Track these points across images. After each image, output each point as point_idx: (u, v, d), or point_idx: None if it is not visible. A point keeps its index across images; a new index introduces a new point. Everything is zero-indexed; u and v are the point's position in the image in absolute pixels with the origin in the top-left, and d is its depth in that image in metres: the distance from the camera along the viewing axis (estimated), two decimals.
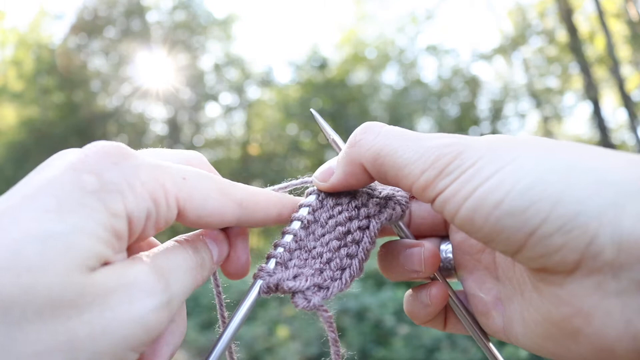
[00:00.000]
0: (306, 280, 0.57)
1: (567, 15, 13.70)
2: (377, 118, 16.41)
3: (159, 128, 18.80)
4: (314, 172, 0.68)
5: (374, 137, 0.55)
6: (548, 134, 16.82)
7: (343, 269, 0.59)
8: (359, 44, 18.91)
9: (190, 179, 0.51)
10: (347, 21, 19.58)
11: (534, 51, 16.35)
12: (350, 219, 0.61)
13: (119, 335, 0.40)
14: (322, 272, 0.59)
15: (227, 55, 18.67)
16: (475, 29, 26.10)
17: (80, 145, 0.56)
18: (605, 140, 13.41)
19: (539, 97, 16.37)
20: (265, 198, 0.59)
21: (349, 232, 0.61)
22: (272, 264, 0.58)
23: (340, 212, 0.62)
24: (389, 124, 0.57)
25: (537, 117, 17.57)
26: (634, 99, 13.20)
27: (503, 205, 0.44)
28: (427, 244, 0.63)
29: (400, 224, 0.65)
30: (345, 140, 0.63)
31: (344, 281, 0.58)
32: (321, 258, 0.59)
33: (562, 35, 15.02)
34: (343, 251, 0.60)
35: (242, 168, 17.50)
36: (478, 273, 0.63)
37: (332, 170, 0.61)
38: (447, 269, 0.66)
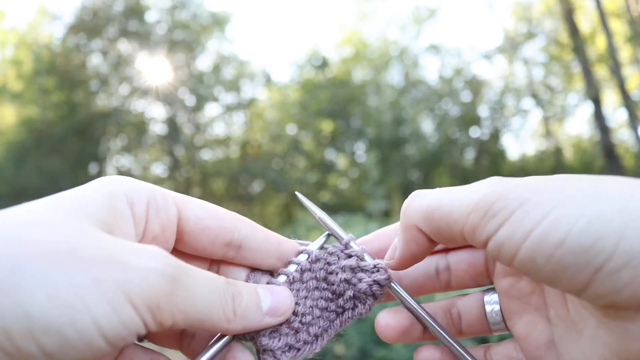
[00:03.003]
0: (279, 339, 0.59)
1: (568, 15, 13.70)
2: (379, 118, 16.39)
3: (158, 128, 18.81)
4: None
5: (420, 199, 0.57)
6: (549, 133, 16.83)
7: (317, 337, 0.63)
8: (360, 43, 18.90)
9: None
10: (349, 20, 19.59)
11: (535, 51, 16.35)
12: (332, 300, 0.65)
13: (117, 274, 0.42)
14: (297, 333, 0.61)
15: (227, 55, 18.67)
16: (477, 28, 26.10)
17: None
18: (605, 139, 13.40)
19: (540, 97, 16.37)
20: (264, 230, 0.63)
21: (326, 309, 0.65)
22: None
23: (324, 289, 0.65)
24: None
25: (538, 116, 17.58)
26: (634, 98, 13.19)
27: (565, 244, 0.43)
28: (383, 314, 0.64)
29: (398, 292, 0.65)
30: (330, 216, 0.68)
31: (314, 347, 0.62)
32: (302, 318, 0.62)
33: (563, 35, 15.02)
34: (320, 322, 0.63)
35: (242, 168, 17.49)
36: (528, 316, 0.60)
37: (395, 246, 0.62)
38: (495, 321, 0.64)
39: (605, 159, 13.57)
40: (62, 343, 0.39)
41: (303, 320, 0.62)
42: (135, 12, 17.04)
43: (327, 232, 0.68)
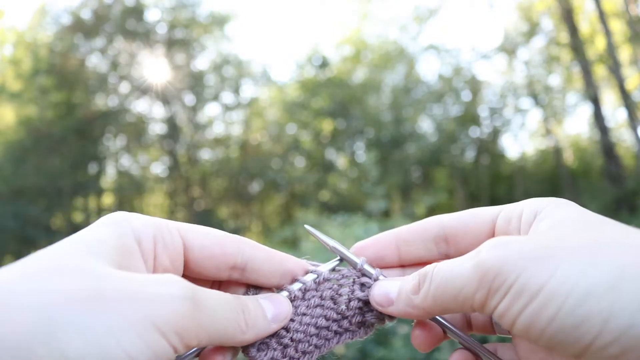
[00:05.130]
0: (266, 354, 0.62)
1: (567, 15, 13.70)
2: (379, 117, 16.39)
3: (158, 127, 18.79)
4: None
5: (427, 287, 0.58)
6: (548, 133, 16.83)
7: (305, 353, 0.64)
8: (360, 43, 18.90)
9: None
10: (349, 20, 19.59)
11: (535, 51, 16.36)
12: (334, 320, 0.67)
13: (143, 307, 0.45)
14: (285, 348, 0.63)
15: (227, 55, 18.66)
16: (477, 28, 26.10)
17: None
18: (605, 139, 13.41)
19: (539, 97, 16.38)
20: (267, 250, 0.65)
21: (326, 328, 0.66)
22: None
23: (328, 308, 0.66)
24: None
25: (538, 116, 17.59)
26: (634, 98, 13.20)
27: (555, 323, 0.46)
28: (416, 329, 0.67)
29: (451, 328, 0.66)
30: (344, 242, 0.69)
31: None
32: (293, 334, 0.63)
33: (563, 35, 15.03)
34: (313, 340, 0.65)
35: (241, 167, 17.47)
36: (529, 344, 0.62)
37: (391, 300, 0.64)
38: (500, 328, 0.67)
39: (605, 158, 13.58)
40: None
41: (294, 337, 0.63)
42: (135, 11, 17.03)
43: (339, 257, 0.69)
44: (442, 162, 17.16)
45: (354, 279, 0.67)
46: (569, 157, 17.97)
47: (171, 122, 17.92)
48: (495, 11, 19.54)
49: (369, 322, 0.67)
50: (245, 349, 0.61)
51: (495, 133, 17.92)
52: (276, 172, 16.70)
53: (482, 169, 16.89)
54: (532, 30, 15.95)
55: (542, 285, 0.47)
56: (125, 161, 18.57)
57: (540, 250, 0.49)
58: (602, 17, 12.72)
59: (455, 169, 17.06)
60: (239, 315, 0.56)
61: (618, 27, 13.94)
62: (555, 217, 0.56)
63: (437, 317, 0.65)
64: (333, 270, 0.68)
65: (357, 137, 17.04)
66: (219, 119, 19.33)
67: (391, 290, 0.64)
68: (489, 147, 17.77)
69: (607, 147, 13.26)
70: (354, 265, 0.68)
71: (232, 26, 19.10)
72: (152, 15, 17.82)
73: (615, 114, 16.48)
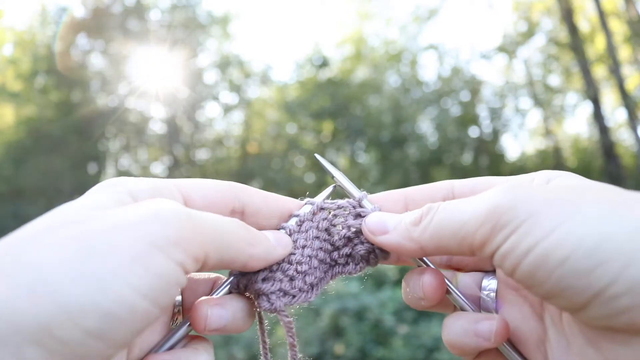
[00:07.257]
0: (272, 284, 0.59)
1: (567, 15, 13.70)
2: (379, 117, 16.39)
3: (158, 127, 18.78)
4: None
5: (429, 219, 0.54)
6: (548, 132, 16.84)
7: (312, 286, 0.63)
8: (360, 43, 18.90)
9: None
10: (349, 20, 19.59)
11: (535, 50, 16.37)
12: (329, 252, 0.66)
13: (135, 229, 0.42)
14: (292, 280, 0.61)
15: (227, 54, 18.66)
16: (477, 28, 26.10)
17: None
18: (604, 138, 13.41)
19: (539, 96, 16.38)
20: (262, 193, 0.64)
21: (324, 261, 0.65)
22: None
23: (324, 240, 0.65)
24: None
25: (538, 116, 17.60)
26: (634, 98, 13.21)
27: (568, 263, 0.42)
28: (427, 275, 0.60)
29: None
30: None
31: (309, 296, 0.63)
32: (298, 266, 0.61)
33: (563, 35, 15.03)
34: (318, 272, 0.64)
35: (241, 167, 17.48)
36: (522, 309, 0.59)
37: (386, 229, 0.60)
38: (486, 306, 0.63)
39: (605, 158, 13.59)
40: (104, 318, 0.39)
41: (299, 268, 0.62)
42: (136, 11, 17.02)
43: (333, 185, 0.68)
44: (441, 162, 17.16)
45: (349, 210, 0.66)
46: (568, 157, 17.97)
47: (171, 122, 17.92)
48: (494, 11, 19.55)
49: (358, 255, 0.64)
50: (248, 286, 0.60)
51: (495, 133, 17.92)
52: (276, 171, 16.71)
53: (481, 169, 16.90)
54: (532, 30, 15.95)
55: (558, 225, 0.43)
56: (125, 161, 18.59)
57: (558, 196, 0.45)
58: (602, 17, 12.72)
59: (455, 169, 17.06)
60: (243, 230, 0.54)
61: (618, 27, 13.94)
62: (569, 182, 0.53)
63: (424, 258, 0.62)
64: (328, 198, 0.68)
65: (357, 137, 17.03)
66: (219, 119, 19.34)
67: (389, 220, 0.60)
68: (488, 147, 17.77)
69: (607, 147, 13.26)
70: (354, 198, 0.67)
71: (232, 26, 19.12)
72: (153, 15, 17.82)
73: (615, 114, 16.49)
